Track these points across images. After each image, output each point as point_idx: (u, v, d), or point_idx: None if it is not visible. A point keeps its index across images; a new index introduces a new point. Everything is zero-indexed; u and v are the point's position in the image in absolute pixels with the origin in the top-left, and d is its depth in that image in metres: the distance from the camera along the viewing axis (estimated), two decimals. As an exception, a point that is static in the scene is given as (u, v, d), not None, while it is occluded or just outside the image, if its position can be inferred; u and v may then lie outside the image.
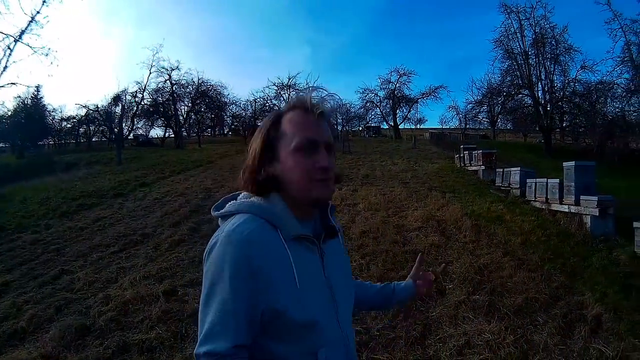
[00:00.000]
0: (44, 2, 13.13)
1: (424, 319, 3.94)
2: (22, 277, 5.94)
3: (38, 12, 12.92)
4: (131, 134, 35.56)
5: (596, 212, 6.64)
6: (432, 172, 13.34)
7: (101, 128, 36.11)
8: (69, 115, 36.15)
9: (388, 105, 37.47)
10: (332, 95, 1.18)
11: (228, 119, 40.00)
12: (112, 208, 10.09)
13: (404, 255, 5.64)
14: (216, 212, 1.18)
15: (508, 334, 3.64)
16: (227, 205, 1.17)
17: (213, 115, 37.45)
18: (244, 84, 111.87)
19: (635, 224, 5.79)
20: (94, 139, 38.21)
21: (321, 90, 1.18)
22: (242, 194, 1.20)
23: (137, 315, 4.31)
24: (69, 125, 37.06)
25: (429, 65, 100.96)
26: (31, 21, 13.55)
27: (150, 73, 32.97)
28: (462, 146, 15.42)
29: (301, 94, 1.17)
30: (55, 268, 6.13)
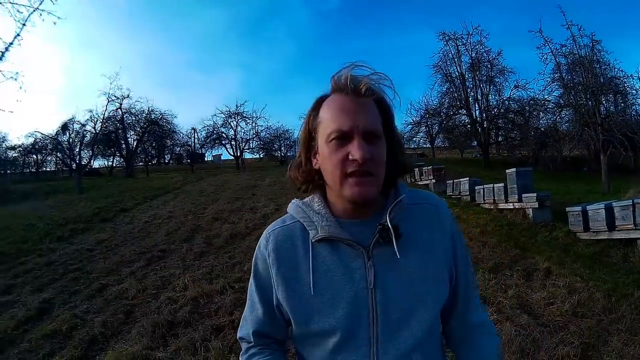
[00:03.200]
0: (21, 28, 12.62)
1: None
2: (60, 294, 6.38)
3: (17, 36, 12.31)
4: (91, 163, 34.89)
5: (536, 205, 8.40)
6: (386, 188, 14.89)
7: (52, 157, 35.07)
8: (14, 144, 34.62)
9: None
10: (378, 73, 1.00)
11: (176, 148, 40.01)
12: (107, 231, 10.62)
13: None
14: None
15: (490, 281, 5.22)
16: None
17: (155, 144, 37.38)
18: (183, 110, 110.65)
19: (568, 209, 7.62)
20: (47, 169, 37.11)
21: (365, 67, 0.99)
22: None
23: (211, 306, 5.25)
24: (15, 154, 35.51)
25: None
26: (6, 49, 12.95)
27: (109, 102, 32.67)
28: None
29: (339, 71, 1.00)
30: (91, 283, 6.69)
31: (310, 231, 1.03)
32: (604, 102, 21.14)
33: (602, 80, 20.59)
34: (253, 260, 1.10)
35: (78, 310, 5.58)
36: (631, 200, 6.55)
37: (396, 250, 0.97)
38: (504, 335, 3.90)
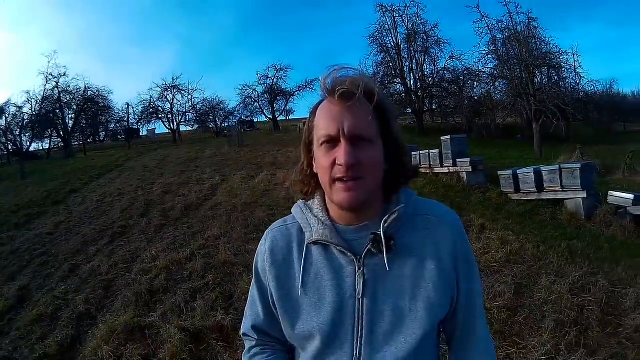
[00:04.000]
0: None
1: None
2: (33, 279, 6.44)
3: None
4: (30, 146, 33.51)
5: (470, 169, 9.29)
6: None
7: None
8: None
9: (266, 100, 38.63)
10: (365, 75, 0.99)
11: (111, 124, 39.23)
12: (62, 214, 10.56)
13: None
14: None
15: None
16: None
17: (91, 122, 36.43)
18: (120, 85, 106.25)
19: (500, 172, 8.58)
20: None
21: (350, 69, 0.98)
22: None
23: (184, 272, 5.65)
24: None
25: (301, 57, 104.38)
26: None
27: (48, 81, 31.62)
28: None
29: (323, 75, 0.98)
30: (62, 265, 6.76)
31: (306, 233, 1.04)
32: (537, 75, 22.61)
33: (536, 55, 21.90)
34: (255, 257, 1.14)
35: (57, 292, 5.72)
36: (558, 165, 7.49)
37: (386, 262, 0.96)
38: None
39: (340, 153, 0.92)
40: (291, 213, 1.13)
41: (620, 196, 6.66)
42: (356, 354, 0.97)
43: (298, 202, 1.14)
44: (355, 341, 0.97)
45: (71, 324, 4.80)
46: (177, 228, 7.87)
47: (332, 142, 0.95)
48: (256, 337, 1.14)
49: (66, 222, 9.69)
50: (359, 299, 0.97)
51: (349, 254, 0.98)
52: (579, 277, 4.51)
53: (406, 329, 0.96)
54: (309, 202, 1.11)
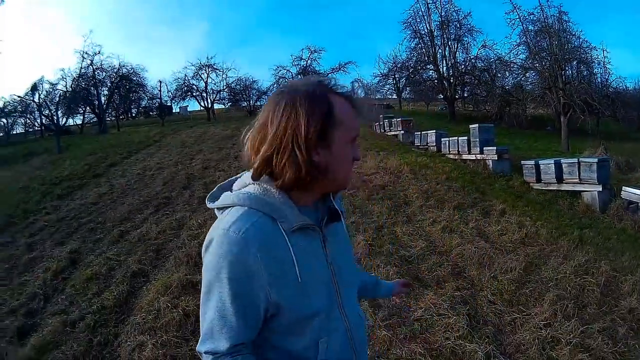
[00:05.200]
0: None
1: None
2: (83, 244, 6.90)
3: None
4: (68, 122, 34.42)
5: (495, 157, 9.72)
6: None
7: (22, 119, 34.67)
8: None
9: (300, 81, 38.78)
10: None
11: (142, 101, 40.06)
12: (104, 186, 11.10)
13: (374, 187, 8.32)
14: (212, 204, 1.16)
15: (454, 216, 6.51)
16: (222, 196, 1.14)
17: (125, 99, 37.31)
18: (151, 64, 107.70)
19: (523, 162, 8.97)
20: (17, 132, 36.15)
21: (344, 87, 1.13)
22: (237, 181, 1.17)
23: None
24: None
25: (333, 38, 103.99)
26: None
27: (84, 59, 32.43)
28: (381, 115, 18.26)
29: (338, 82, 1.11)
30: (110, 231, 7.26)
31: (281, 223, 1.04)
32: (567, 69, 22.40)
33: (566, 49, 21.76)
34: (220, 267, 1.01)
35: (109, 254, 6.17)
36: (577, 159, 7.84)
37: (344, 226, 1.24)
38: (467, 252, 5.17)
39: (358, 151, 1.14)
40: (234, 206, 1.08)
41: (632, 192, 6.99)
42: (342, 313, 1.17)
43: (249, 192, 1.09)
44: (338, 301, 1.16)
45: (125, 281, 5.22)
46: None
47: (354, 140, 1.12)
48: (228, 352, 1.05)
49: (109, 193, 10.25)
50: (330, 264, 1.14)
51: (317, 229, 1.11)
52: (585, 262, 4.90)
53: (354, 277, 1.30)
54: (257, 191, 1.08)
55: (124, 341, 4.00)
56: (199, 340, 1.08)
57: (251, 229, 1.00)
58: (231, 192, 1.14)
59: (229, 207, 1.09)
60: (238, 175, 1.21)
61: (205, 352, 1.07)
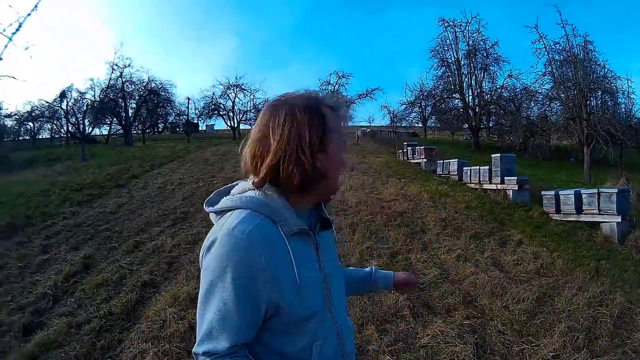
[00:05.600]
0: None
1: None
2: (97, 250, 6.99)
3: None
4: (94, 131, 35.26)
5: (516, 187, 9.62)
6: (381, 164, 15.83)
7: (49, 125, 35.82)
8: (10, 111, 35.32)
9: (328, 106, 39.07)
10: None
11: (170, 117, 40.90)
12: (124, 196, 11.28)
13: (392, 214, 8.23)
14: (210, 208, 1.18)
15: (470, 245, 6.42)
16: (223, 200, 1.17)
17: (152, 113, 38.09)
18: (178, 79, 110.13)
19: (543, 192, 8.85)
20: (42, 136, 37.62)
21: (332, 98, 1.21)
22: (236, 187, 1.21)
23: None
24: (11, 123, 36.17)
25: (360, 65, 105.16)
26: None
27: (113, 71, 33.29)
28: (405, 142, 18.35)
29: (334, 97, 1.20)
30: (126, 240, 7.35)
31: (281, 226, 1.08)
32: (592, 99, 22.22)
33: (591, 78, 21.59)
34: (224, 267, 1.02)
35: (122, 263, 6.23)
36: (597, 189, 7.71)
37: (334, 233, 1.33)
38: (480, 281, 5.07)
39: (346, 158, 1.19)
40: (235, 209, 1.12)
41: (651, 223, 6.79)
42: (333, 318, 1.20)
43: (251, 196, 1.12)
44: (329, 305, 1.19)
45: (135, 289, 5.25)
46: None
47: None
48: (227, 353, 1.05)
49: (128, 204, 10.37)
50: (322, 270, 1.19)
51: (311, 234, 1.17)
52: (599, 293, 4.78)
53: (342, 284, 1.33)
54: (261, 196, 1.12)
55: (126, 347, 4.02)
56: (196, 342, 1.08)
57: (255, 230, 1.03)
58: (231, 196, 1.18)
59: (230, 210, 1.12)
60: (234, 183, 1.25)
61: (204, 353, 1.07)
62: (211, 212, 1.18)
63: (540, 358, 3.64)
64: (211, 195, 1.24)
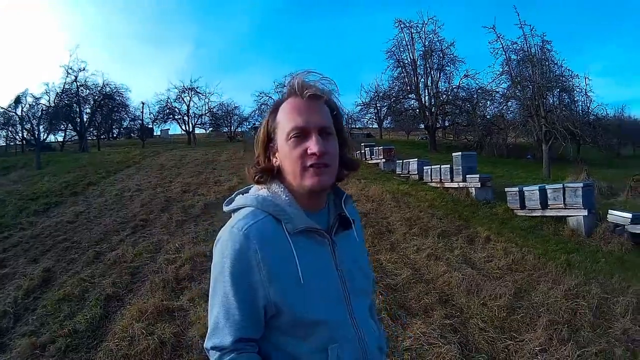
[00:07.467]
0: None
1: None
2: (57, 262, 6.71)
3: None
4: (49, 138, 33.85)
5: (478, 185, 9.75)
6: (337, 165, 15.97)
7: (6, 132, 33.89)
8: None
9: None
10: (326, 78, 1.15)
11: (124, 122, 39.67)
12: (81, 204, 10.89)
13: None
14: (226, 207, 1.20)
15: (438, 244, 6.45)
16: (236, 199, 1.19)
17: (107, 118, 36.87)
18: (132, 84, 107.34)
19: (507, 189, 8.97)
20: None
21: (315, 73, 1.14)
22: (254, 187, 1.20)
23: (208, 264, 5.95)
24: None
25: (316, 67, 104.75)
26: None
27: (68, 75, 32.03)
28: (362, 144, 18.32)
29: (292, 78, 1.13)
30: (85, 251, 7.04)
31: (285, 224, 1.07)
32: (549, 97, 22.95)
33: (548, 77, 22.32)
34: (224, 263, 1.05)
35: (84, 275, 5.99)
36: (562, 184, 7.88)
37: (356, 234, 1.25)
38: (454, 280, 5.06)
39: (312, 143, 1.07)
40: (243, 207, 1.14)
41: (619, 215, 7.06)
42: (353, 320, 1.15)
43: (258, 194, 1.15)
44: (349, 310, 1.14)
45: (99, 304, 5.03)
46: (198, 224, 8.26)
47: (301, 135, 1.08)
48: (232, 348, 1.06)
49: (86, 213, 10.01)
50: (339, 270, 1.15)
51: (325, 234, 1.13)
52: (575, 285, 4.87)
53: (367, 286, 1.27)
54: (266, 193, 1.14)
55: (96, 368, 3.77)
56: (206, 337, 1.11)
57: (253, 226, 1.05)
58: (244, 195, 1.21)
59: (240, 208, 1.14)
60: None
61: (212, 348, 1.09)
62: (227, 210, 1.20)
63: (527, 353, 3.66)
64: (232, 195, 1.24)
